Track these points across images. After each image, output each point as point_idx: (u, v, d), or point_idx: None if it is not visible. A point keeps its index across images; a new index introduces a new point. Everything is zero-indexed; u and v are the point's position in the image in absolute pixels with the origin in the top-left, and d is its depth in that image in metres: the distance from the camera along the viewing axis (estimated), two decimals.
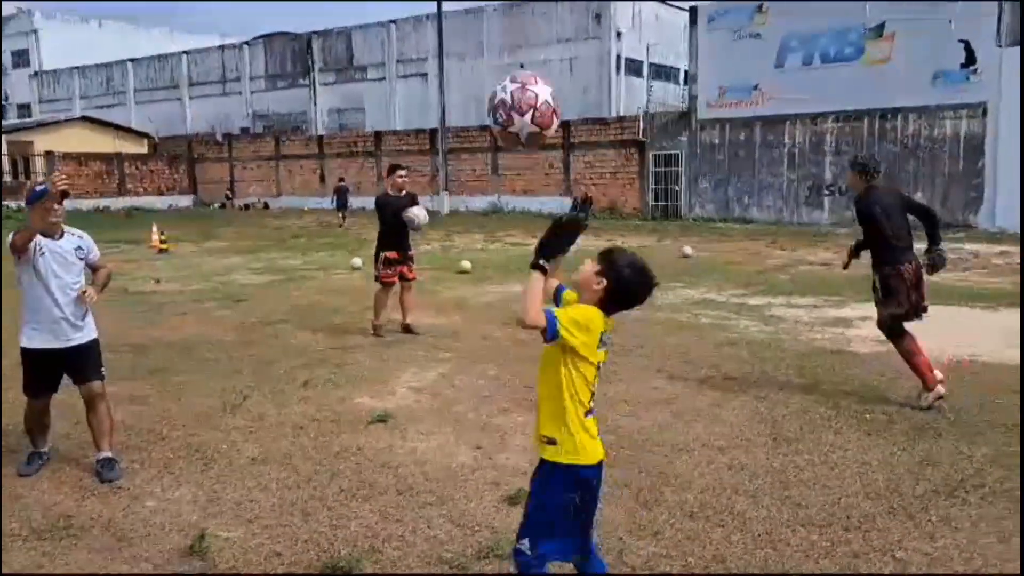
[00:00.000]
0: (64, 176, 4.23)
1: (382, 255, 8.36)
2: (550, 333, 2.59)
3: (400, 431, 5.32)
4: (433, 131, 33.11)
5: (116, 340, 8.22)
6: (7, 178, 38.66)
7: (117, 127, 42.86)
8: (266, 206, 37.99)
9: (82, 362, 4.52)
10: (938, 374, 5.63)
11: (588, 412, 2.76)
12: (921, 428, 5.21)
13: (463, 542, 3.72)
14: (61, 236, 4.43)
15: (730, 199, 26.86)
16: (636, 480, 4.41)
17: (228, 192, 40.07)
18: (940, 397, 5.55)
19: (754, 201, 26.50)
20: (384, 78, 39.68)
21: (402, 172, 8.36)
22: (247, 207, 38.16)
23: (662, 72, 35.24)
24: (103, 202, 37.81)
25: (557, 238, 2.66)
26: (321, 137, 38.27)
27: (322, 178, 36.68)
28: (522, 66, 35.36)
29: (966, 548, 3.60)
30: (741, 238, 20.30)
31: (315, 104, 42.08)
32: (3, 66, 56.61)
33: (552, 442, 2.73)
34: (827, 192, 25.10)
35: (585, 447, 2.73)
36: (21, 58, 56.40)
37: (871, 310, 6.29)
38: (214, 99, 45.85)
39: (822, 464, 4.63)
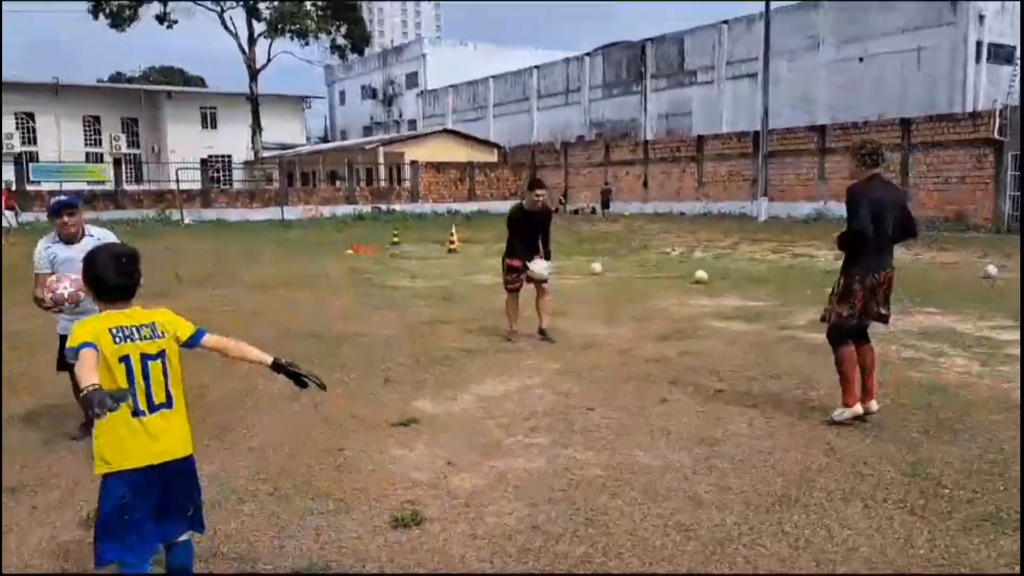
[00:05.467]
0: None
1: (506, 263, 8.32)
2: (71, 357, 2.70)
3: (411, 438, 5.23)
4: (756, 133, 31.50)
5: (301, 328, 9.21)
6: (383, 183, 44.87)
7: (473, 138, 47.38)
8: (593, 211, 39.12)
9: None
10: (873, 404, 5.37)
11: (136, 413, 2.80)
12: (987, 516, 3.80)
13: (290, 557, 3.58)
14: (80, 239, 5.04)
15: None
16: (555, 522, 3.85)
17: (561, 198, 42.03)
18: (859, 415, 5.32)
19: None
20: (712, 81, 38.72)
21: (540, 192, 8.25)
22: (576, 212, 39.72)
23: None
24: (454, 206, 42.03)
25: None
26: (647, 142, 38.45)
27: (645, 183, 36.84)
28: (861, 60, 32.16)
29: None
30: None
31: (645, 111, 42.46)
32: (394, 85, 66.00)
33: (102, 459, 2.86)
34: None
35: (117, 454, 2.79)
36: (412, 80, 65.07)
37: None
38: (557, 109, 48.59)
39: (797, 541, 3.61)
